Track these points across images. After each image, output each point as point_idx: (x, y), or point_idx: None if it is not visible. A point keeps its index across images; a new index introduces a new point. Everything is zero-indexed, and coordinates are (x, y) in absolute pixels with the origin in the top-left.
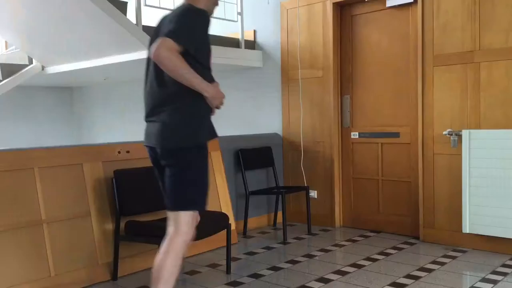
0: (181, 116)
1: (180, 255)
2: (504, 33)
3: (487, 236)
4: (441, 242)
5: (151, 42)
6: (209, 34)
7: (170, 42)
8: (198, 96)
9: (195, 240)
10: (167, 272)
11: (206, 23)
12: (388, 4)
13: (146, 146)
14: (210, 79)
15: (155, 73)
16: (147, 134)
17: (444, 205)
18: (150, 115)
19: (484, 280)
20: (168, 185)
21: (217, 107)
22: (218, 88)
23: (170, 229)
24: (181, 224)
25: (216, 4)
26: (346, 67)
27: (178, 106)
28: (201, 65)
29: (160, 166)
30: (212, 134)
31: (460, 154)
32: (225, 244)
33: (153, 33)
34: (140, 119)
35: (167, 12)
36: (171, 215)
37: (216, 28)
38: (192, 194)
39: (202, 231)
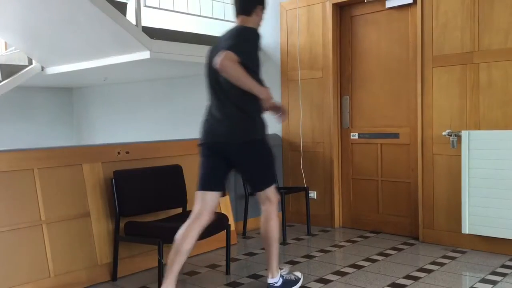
0: (248, 116)
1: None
2: (504, 34)
3: (487, 236)
4: (441, 243)
5: (209, 59)
6: (258, 48)
7: (231, 54)
8: (256, 101)
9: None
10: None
11: (257, 39)
12: (388, 5)
13: (206, 142)
14: (261, 84)
15: (219, 82)
16: (211, 132)
17: (444, 205)
18: (215, 117)
19: (484, 280)
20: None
21: (267, 108)
22: (269, 92)
23: (206, 211)
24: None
25: (260, 24)
26: (345, 68)
27: (244, 109)
28: (254, 73)
29: (220, 159)
30: (267, 129)
31: (460, 155)
32: (224, 244)
33: (211, 50)
34: (139, 119)
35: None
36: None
37: (215, 28)
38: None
39: (202, 231)
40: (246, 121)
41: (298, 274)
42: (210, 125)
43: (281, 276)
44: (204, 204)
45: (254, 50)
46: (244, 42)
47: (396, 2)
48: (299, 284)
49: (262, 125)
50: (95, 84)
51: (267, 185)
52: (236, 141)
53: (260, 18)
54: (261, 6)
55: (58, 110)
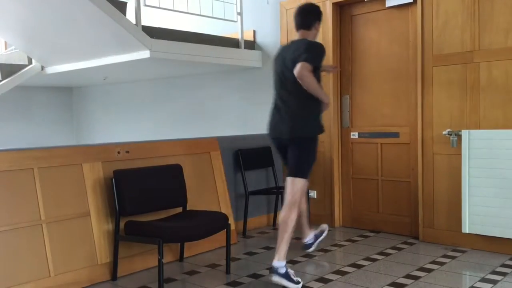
0: (307, 117)
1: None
2: (504, 33)
3: (487, 236)
4: (441, 242)
5: (276, 65)
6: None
7: (308, 65)
8: (318, 104)
9: (194, 240)
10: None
11: (324, 53)
12: (388, 4)
13: (274, 138)
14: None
15: (286, 87)
16: (275, 128)
17: (444, 205)
18: (281, 114)
19: (484, 280)
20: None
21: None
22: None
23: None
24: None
25: (317, 36)
26: (345, 67)
27: (306, 109)
28: (318, 79)
29: (285, 149)
30: (323, 129)
31: (460, 154)
32: (224, 244)
33: (276, 59)
34: (139, 119)
35: (288, 43)
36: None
37: (215, 28)
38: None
39: (202, 231)
40: (306, 121)
41: (299, 279)
42: (275, 122)
43: (286, 267)
44: None
45: (321, 62)
46: (316, 55)
47: (396, 1)
48: (299, 286)
49: (318, 126)
50: (95, 83)
51: (297, 175)
52: (294, 136)
53: (317, 31)
54: (319, 21)
55: (58, 109)
